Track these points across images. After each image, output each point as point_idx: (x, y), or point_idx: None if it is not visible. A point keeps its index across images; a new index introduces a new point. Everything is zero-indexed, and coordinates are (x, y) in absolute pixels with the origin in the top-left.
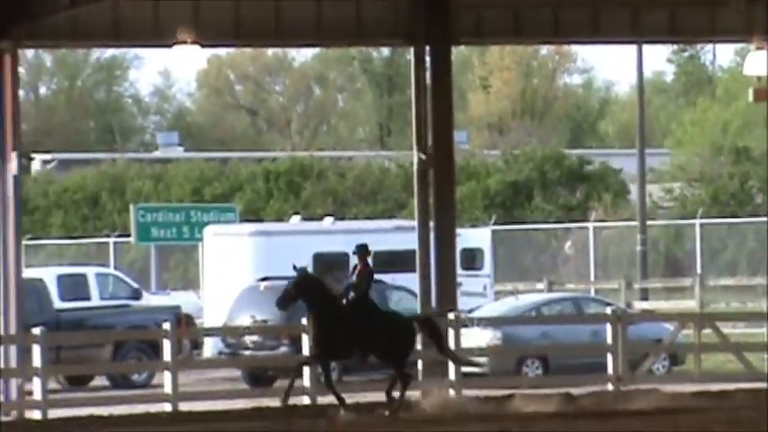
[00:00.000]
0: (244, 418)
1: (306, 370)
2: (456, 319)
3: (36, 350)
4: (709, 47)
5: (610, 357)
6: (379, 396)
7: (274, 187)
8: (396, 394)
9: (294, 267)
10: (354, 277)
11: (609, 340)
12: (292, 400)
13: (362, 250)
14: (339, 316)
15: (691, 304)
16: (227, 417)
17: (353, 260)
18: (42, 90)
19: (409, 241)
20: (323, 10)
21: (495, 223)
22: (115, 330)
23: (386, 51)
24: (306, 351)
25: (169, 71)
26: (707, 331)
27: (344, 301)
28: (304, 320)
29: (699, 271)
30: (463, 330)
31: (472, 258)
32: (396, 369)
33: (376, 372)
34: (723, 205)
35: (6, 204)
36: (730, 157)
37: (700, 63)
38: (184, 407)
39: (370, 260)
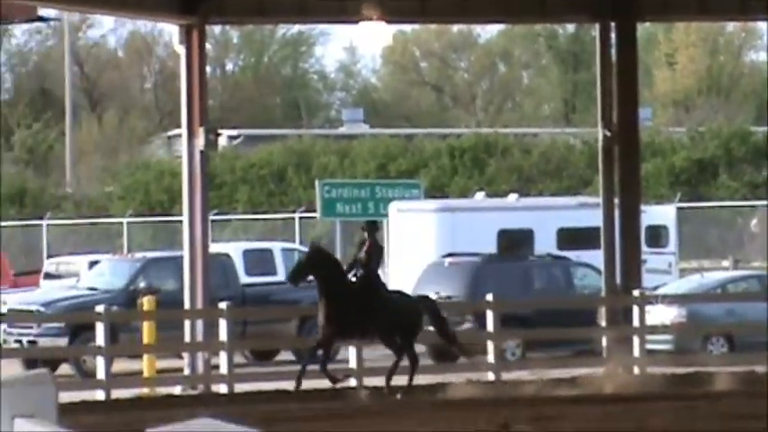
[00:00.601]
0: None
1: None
2: (641, 296)
3: (222, 324)
4: None
5: None
6: (563, 373)
7: (459, 164)
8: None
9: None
10: (363, 254)
11: None
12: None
13: (372, 226)
14: (349, 293)
15: None
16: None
17: (539, 237)
18: (229, 66)
19: (594, 218)
20: None
21: (680, 201)
22: (300, 305)
23: (571, 28)
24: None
25: (355, 47)
26: None
27: (353, 278)
28: (489, 296)
29: None
30: (648, 308)
31: (657, 236)
32: (404, 350)
33: (559, 348)
34: None
35: (194, 179)
36: None
37: None
38: (369, 382)
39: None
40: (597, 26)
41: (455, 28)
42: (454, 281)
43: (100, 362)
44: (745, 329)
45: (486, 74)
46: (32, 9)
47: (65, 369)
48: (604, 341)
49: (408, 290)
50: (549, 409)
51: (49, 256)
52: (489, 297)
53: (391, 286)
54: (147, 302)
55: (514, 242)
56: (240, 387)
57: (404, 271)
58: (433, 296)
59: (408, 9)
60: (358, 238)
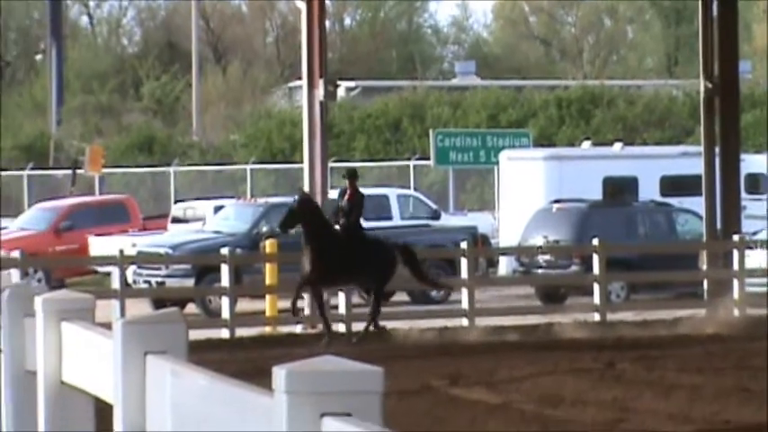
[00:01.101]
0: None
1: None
2: (740, 240)
3: None
4: None
5: None
6: (666, 314)
7: (566, 114)
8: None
9: (298, 190)
10: (344, 202)
11: None
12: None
13: (351, 175)
14: (334, 242)
15: None
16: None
17: (642, 184)
18: (347, 21)
19: (695, 166)
20: None
21: None
22: (415, 248)
23: None
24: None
25: (467, 3)
26: None
27: (336, 226)
28: (595, 241)
29: None
30: (747, 252)
31: (755, 183)
32: (376, 295)
33: (661, 291)
34: None
35: (313, 128)
36: None
37: None
38: (480, 322)
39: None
40: None
41: None
42: (562, 226)
43: (224, 302)
44: None
45: (593, 28)
46: None
47: (191, 309)
48: (705, 284)
49: (518, 234)
50: (652, 349)
51: (177, 201)
52: (595, 241)
53: (503, 231)
54: (269, 245)
55: (619, 189)
56: (357, 326)
57: (514, 216)
58: (541, 240)
59: None
60: (341, 188)
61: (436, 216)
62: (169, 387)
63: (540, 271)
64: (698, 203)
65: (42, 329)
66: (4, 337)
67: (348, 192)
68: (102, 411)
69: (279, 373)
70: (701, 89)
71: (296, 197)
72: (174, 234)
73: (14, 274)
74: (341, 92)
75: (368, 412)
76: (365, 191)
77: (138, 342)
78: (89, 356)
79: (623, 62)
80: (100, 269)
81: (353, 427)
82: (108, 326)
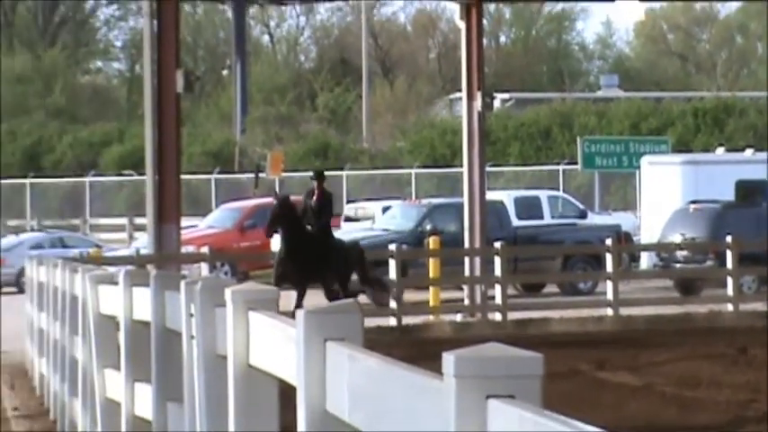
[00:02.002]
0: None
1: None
2: None
3: (497, 261)
4: None
5: None
6: None
7: (702, 122)
8: None
9: (274, 195)
10: (313, 202)
11: None
12: None
13: (318, 176)
14: (305, 244)
15: None
16: None
17: None
18: (502, 39)
19: None
20: None
21: None
22: (564, 245)
23: None
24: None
25: (611, 22)
26: None
27: (309, 227)
28: (728, 238)
29: None
30: None
31: None
32: (347, 295)
33: None
34: None
35: (472, 136)
36: None
37: None
38: (624, 312)
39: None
40: None
41: (698, 5)
42: (698, 224)
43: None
44: None
45: (725, 44)
46: None
47: (361, 299)
48: None
49: (658, 232)
50: None
51: (348, 202)
52: (728, 238)
53: (644, 229)
54: (432, 242)
55: (750, 191)
56: (512, 315)
57: (654, 215)
58: (679, 237)
59: None
60: (308, 188)
61: (583, 215)
62: (347, 371)
63: (678, 265)
64: None
65: (232, 318)
66: (197, 325)
67: (316, 192)
68: (286, 392)
69: (448, 359)
70: None
71: (278, 201)
72: (347, 231)
73: (204, 268)
74: (496, 103)
75: (530, 394)
76: (518, 193)
77: (319, 330)
78: (274, 343)
79: (754, 75)
80: None
81: (517, 408)
82: (289, 314)
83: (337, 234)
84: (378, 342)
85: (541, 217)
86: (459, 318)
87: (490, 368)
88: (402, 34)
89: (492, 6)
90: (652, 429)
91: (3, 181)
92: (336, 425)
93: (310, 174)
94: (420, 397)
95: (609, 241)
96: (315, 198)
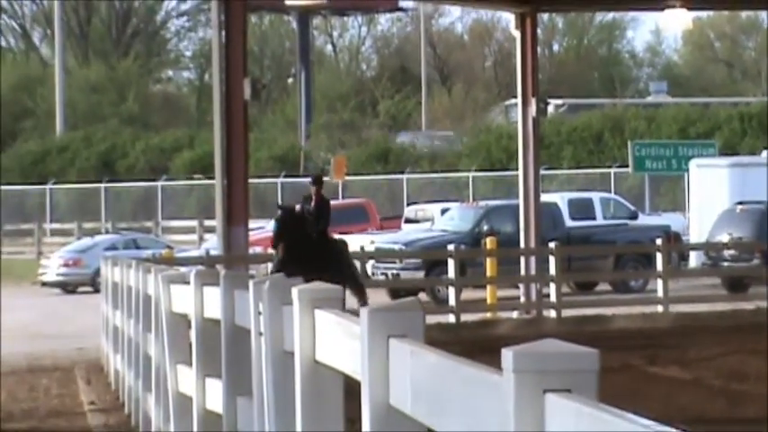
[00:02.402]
0: None
1: None
2: None
3: (551, 261)
4: None
5: None
6: None
7: (748, 127)
8: None
9: (278, 206)
10: (312, 206)
11: None
12: None
13: (316, 182)
14: (305, 250)
15: None
16: None
17: None
18: (555, 47)
19: None
20: None
21: None
22: (616, 245)
23: None
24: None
25: (660, 30)
26: None
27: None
28: None
29: None
30: None
31: None
32: (356, 288)
33: None
34: None
35: (527, 140)
36: None
37: None
38: (673, 308)
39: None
40: None
41: (743, 14)
42: (744, 224)
43: (451, 291)
44: None
45: None
46: (395, 1)
47: (422, 297)
48: None
49: (706, 232)
50: None
51: (409, 204)
52: None
53: (693, 229)
54: (489, 242)
55: None
56: (566, 312)
57: (702, 216)
58: (726, 237)
59: None
60: (306, 192)
61: (634, 216)
62: (409, 366)
63: (725, 264)
64: None
65: (299, 316)
66: (265, 323)
67: (314, 198)
68: (351, 387)
69: (507, 355)
70: None
71: (283, 212)
72: (407, 232)
73: (270, 269)
74: (550, 109)
75: (586, 389)
76: (571, 195)
77: (382, 327)
78: (339, 339)
79: None
80: None
81: (574, 402)
82: (352, 312)
83: (398, 235)
84: (438, 338)
85: (594, 218)
86: (515, 315)
87: (547, 363)
88: (459, 43)
89: (545, 16)
90: (701, 422)
91: (79, 185)
92: (399, 418)
93: (309, 179)
94: (479, 391)
95: (659, 241)
96: (313, 203)
